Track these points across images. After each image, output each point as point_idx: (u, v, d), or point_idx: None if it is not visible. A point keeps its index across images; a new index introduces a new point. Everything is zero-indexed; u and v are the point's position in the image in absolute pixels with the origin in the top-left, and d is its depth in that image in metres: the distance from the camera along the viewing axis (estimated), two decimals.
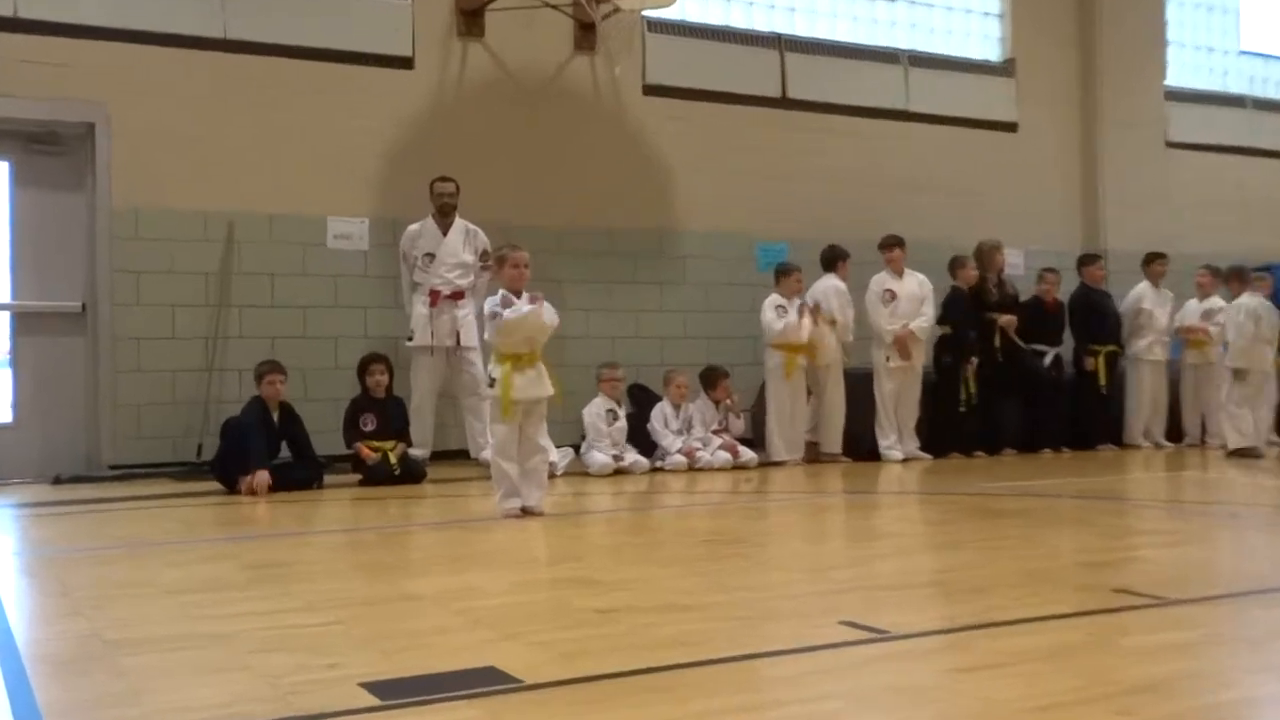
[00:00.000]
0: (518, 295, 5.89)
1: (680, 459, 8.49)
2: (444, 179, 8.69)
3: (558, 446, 8.22)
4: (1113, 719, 2.47)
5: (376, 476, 7.58)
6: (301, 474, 7.45)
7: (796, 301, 9.05)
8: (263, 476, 7.05)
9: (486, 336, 6.02)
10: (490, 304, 5.91)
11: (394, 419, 7.98)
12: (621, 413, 8.58)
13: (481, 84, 9.61)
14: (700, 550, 4.89)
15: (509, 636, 3.19)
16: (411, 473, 7.72)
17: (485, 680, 2.73)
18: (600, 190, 9.89)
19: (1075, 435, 10.21)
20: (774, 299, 9.08)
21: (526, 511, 5.86)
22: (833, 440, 9.26)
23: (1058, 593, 3.82)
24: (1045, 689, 2.71)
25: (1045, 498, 6.84)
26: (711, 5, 10.74)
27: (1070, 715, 2.49)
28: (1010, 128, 11.95)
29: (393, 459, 7.70)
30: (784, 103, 10.80)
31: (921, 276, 9.55)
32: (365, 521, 6.21)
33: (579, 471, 8.23)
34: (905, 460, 9.22)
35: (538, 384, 5.88)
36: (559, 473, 7.98)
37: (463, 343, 8.48)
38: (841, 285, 9.34)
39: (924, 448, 9.43)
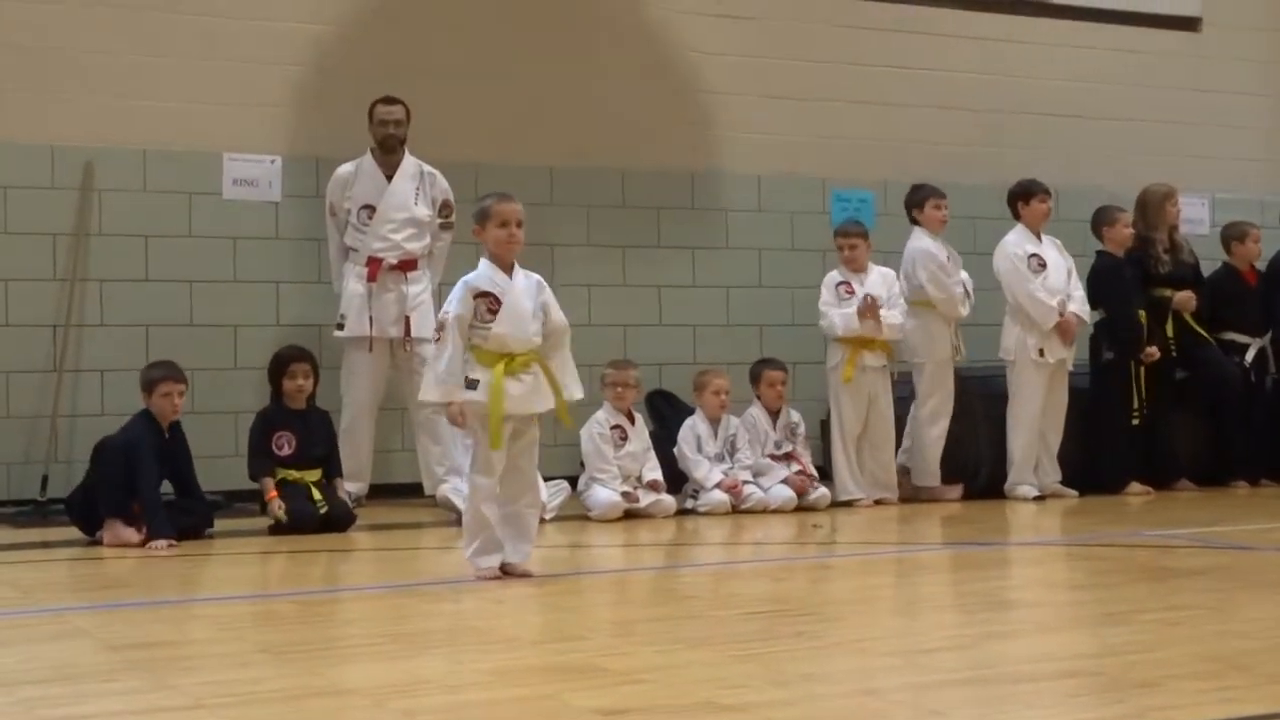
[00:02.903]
0: (507, 270, 5.84)
1: (721, 496, 8.49)
2: (388, 100, 8.72)
3: (546, 480, 8.24)
4: None
5: (293, 521, 7.60)
6: (186, 518, 7.47)
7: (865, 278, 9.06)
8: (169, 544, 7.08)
9: (430, 358, 5.96)
10: (459, 289, 5.79)
11: (318, 439, 8.01)
12: (635, 431, 8.59)
13: None
14: (748, 626, 4.88)
15: None
16: (340, 516, 7.74)
17: None
18: (609, 117, 9.90)
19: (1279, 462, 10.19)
20: (834, 277, 9.10)
21: (507, 571, 5.87)
22: (926, 470, 9.28)
23: (1256, 687, 3.81)
24: None
25: (1239, 550, 6.83)
26: None
27: None
28: (1190, 25, 11.93)
29: (316, 495, 7.72)
30: None
31: (1058, 240, 9.55)
32: (276, 585, 6.22)
33: (577, 514, 8.23)
34: (1041, 498, 9.21)
35: (534, 394, 5.86)
36: (549, 516, 7.98)
37: (414, 332, 8.51)
38: (931, 246, 9.29)
39: (1068, 480, 9.42)
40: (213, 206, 9.11)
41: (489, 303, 5.75)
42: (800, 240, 10.45)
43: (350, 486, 8.23)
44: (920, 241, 9.34)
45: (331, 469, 7.99)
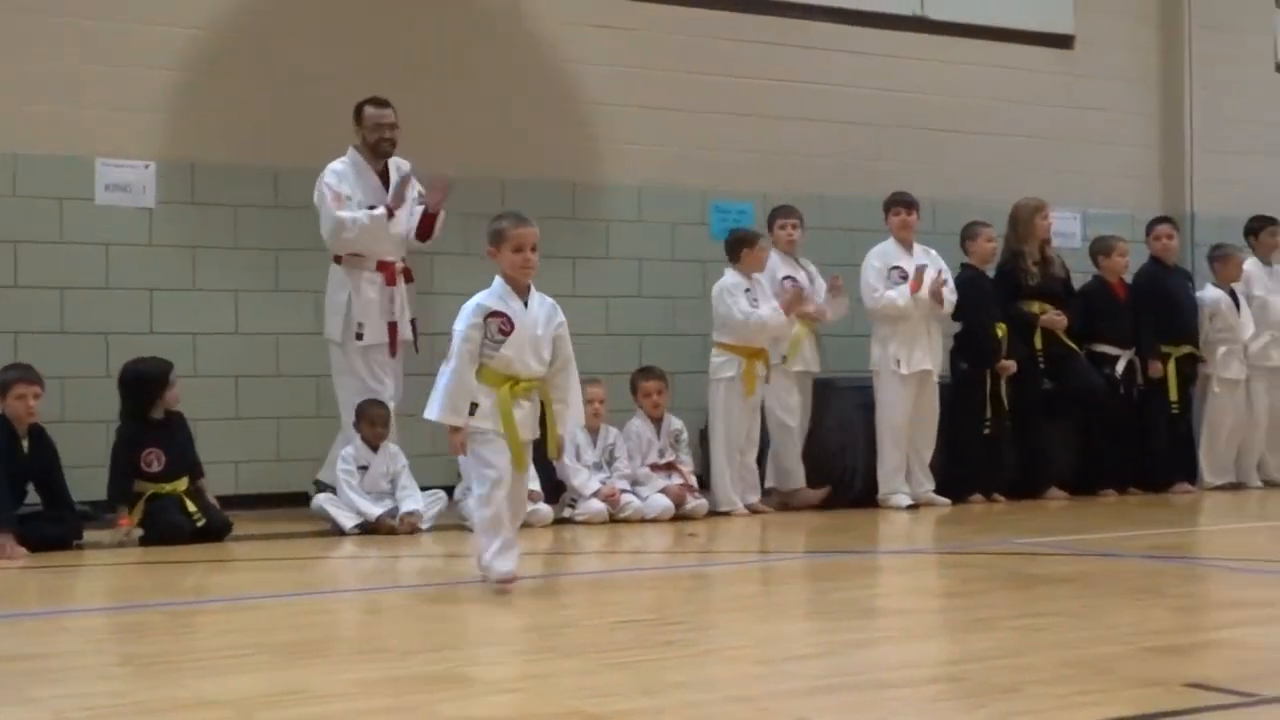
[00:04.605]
0: (521, 293, 5.76)
1: (598, 505, 8.51)
2: (380, 103, 8.62)
3: (423, 490, 8.22)
4: None
5: (166, 530, 7.51)
6: (55, 528, 7.36)
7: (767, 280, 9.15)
8: (11, 544, 6.96)
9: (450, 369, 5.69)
10: (470, 310, 5.69)
11: (183, 446, 7.90)
12: None
13: None
14: (620, 635, 4.90)
15: None
16: (215, 525, 7.67)
17: None
18: (489, 126, 9.88)
19: (1145, 471, 10.40)
20: (733, 282, 9.15)
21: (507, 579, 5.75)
22: (791, 474, 9.40)
23: (1111, 690, 3.88)
24: None
25: (1104, 558, 6.95)
26: None
27: None
28: (1064, 42, 12.15)
29: (190, 507, 7.63)
30: (750, 5, 10.89)
31: (933, 252, 9.69)
32: (144, 595, 6.14)
33: (453, 524, 8.21)
34: (914, 506, 9.32)
35: (531, 420, 5.79)
36: (425, 526, 7.98)
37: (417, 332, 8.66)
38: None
39: (940, 489, 9.55)
40: (85, 212, 8.97)
41: (502, 323, 5.68)
42: (680, 251, 10.50)
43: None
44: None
45: (195, 471, 7.90)
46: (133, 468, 7.70)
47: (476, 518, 5.84)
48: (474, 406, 5.62)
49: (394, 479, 8.17)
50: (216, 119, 9.09)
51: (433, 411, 5.71)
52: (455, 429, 5.65)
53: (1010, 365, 9.69)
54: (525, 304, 5.75)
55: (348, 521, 7.95)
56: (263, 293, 9.34)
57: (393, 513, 7.98)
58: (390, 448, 8.23)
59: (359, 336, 8.45)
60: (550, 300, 5.88)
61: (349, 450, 8.18)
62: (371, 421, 8.20)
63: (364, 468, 8.15)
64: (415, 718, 3.66)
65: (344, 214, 8.34)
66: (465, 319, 5.67)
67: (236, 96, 9.09)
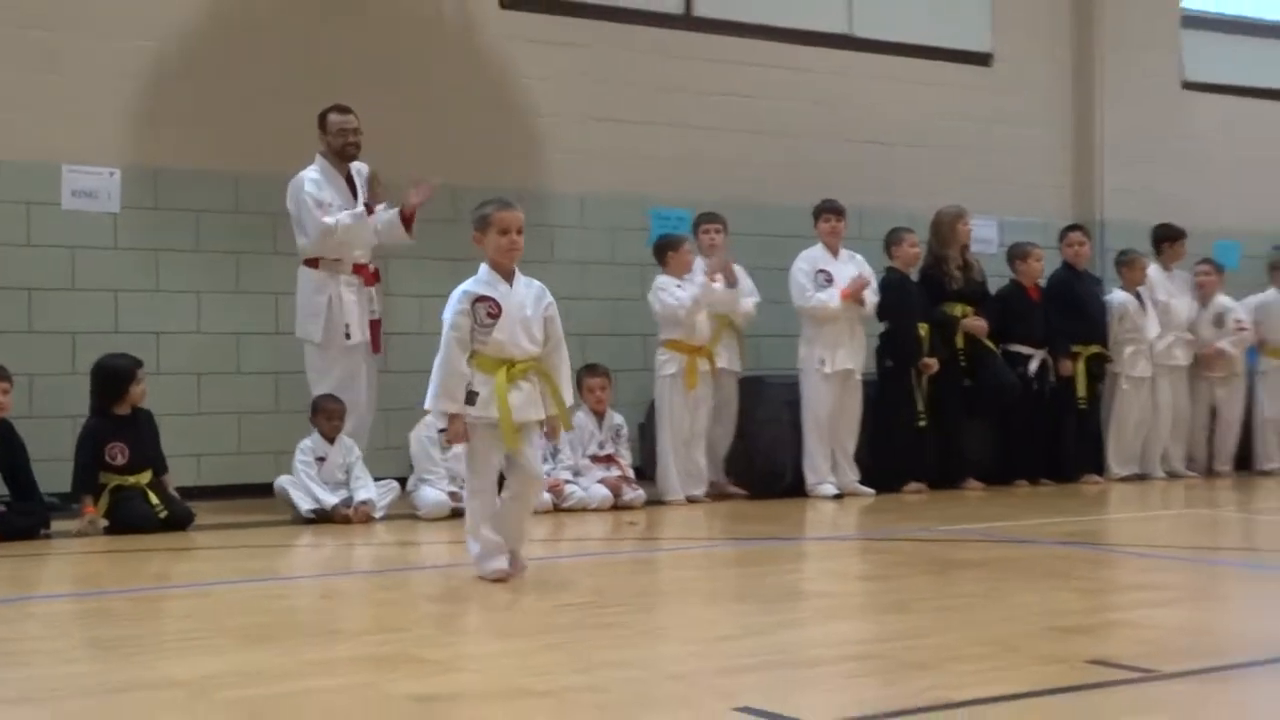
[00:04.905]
0: (507, 277, 5.58)
1: (543, 496, 8.53)
2: (343, 109, 8.54)
3: (376, 480, 8.22)
4: None
5: (131, 521, 7.47)
6: (23, 520, 7.31)
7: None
8: None
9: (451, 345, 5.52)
10: (457, 298, 5.53)
11: (147, 441, 7.85)
12: None
13: None
14: (562, 618, 4.93)
15: None
16: (178, 516, 7.63)
17: None
18: (439, 137, 9.86)
19: (1056, 463, 10.51)
20: (664, 281, 9.20)
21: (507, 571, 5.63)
22: (718, 468, 9.49)
23: (1018, 666, 3.96)
24: None
25: (1016, 544, 7.04)
26: None
27: None
28: (983, 60, 12.25)
29: (153, 499, 7.59)
30: (689, 22, 10.93)
31: (860, 257, 9.77)
32: (109, 583, 6.12)
33: (406, 513, 8.21)
34: (840, 496, 9.40)
35: (531, 402, 5.57)
36: (378, 515, 7.97)
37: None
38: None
39: (865, 480, 9.63)
40: (52, 217, 8.89)
41: (489, 307, 5.49)
42: (621, 255, 10.52)
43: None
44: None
45: (159, 466, 7.86)
46: (97, 460, 7.64)
47: (468, 508, 5.66)
48: (474, 396, 5.45)
49: (349, 470, 8.16)
50: (179, 127, 9.03)
51: (428, 401, 5.56)
52: (453, 417, 5.49)
53: (933, 363, 9.78)
54: (511, 287, 5.59)
55: (305, 504, 7.93)
56: (224, 294, 9.29)
57: (347, 502, 7.97)
58: (345, 440, 8.21)
59: (348, 336, 8.41)
60: (538, 283, 5.71)
61: (306, 442, 8.15)
62: (328, 415, 8.19)
63: (321, 459, 8.13)
64: (367, 696, 3.68)
65: (329, 219, 8.29)
66: (452, 306, 5.51)
67: (198, 105, 9.04)
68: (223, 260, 9.28)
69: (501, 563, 5.56)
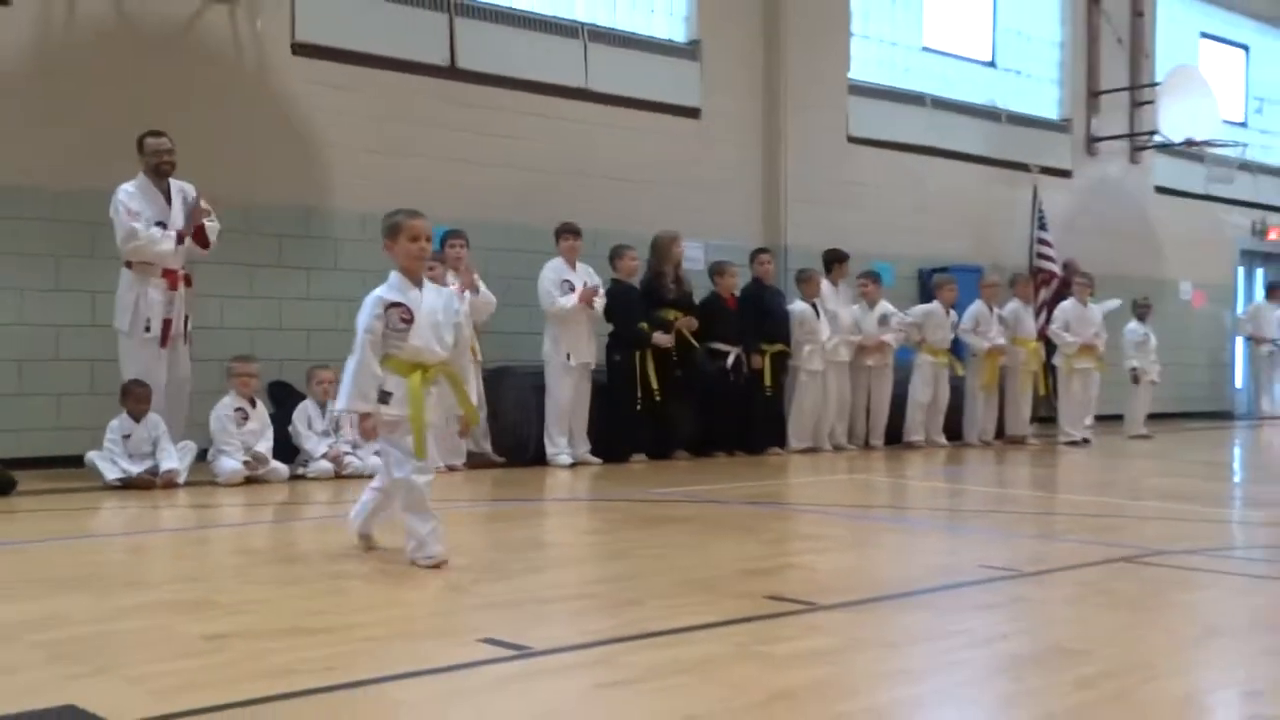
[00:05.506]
0: (416, 284, 4.96)
1: (326, 465, 8.35)
2: (157, 134, 8.14)
3: (177, 445, 7.91)
4: None
5: None
6: None
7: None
8: None
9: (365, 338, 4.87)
10: (371, 304, 4.88)
11: None
12: (256, 413, 8.34)
13: (94, 31, 9.07)
14: (338, 567, 4.83)
15: (97, 671, 3.07)
16: (1, 482, 7.21)
17: None
18: (238, 160, 9.54)
19: (747, 438, 10.77)
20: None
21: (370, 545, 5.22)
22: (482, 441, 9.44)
23: (711, 602, 4.05)
24: (686, 702, 2.88)
25: (715, 504, 7.21)
26: None
27: None
28: (693, 113, 12.48)
29: None
30: (453, 73, 10.81)
31: (590, 269, 9.86)
32: None
33: (205, 480, 7.93)
34: (574, 465, 9.45)
35: (440, 403, 5.07)
36: (180, 481, 7.68)
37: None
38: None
39: (594, 451, 9.70)
40: None
41: (402, 312, 4.88)
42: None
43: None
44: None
45: None
46: None
47: (402, 502, 4.94)
48: (387, 396, 4.85)
49: (155, 443, 7.83)
50: (1, 145, 8.52)
51: (341, 401, 4.94)
52: (365, 416, 4.85)
53: (666, 339, 9.93)
54: (421, 293, 5.02)
55: (111, 474, 7.57)
56: (44, 291, 8.80)
57: (153, 471, 7.64)
58: (152, 417, 7.85)
59: (147, 329, 8.06)
60: (448, 289, 5.28)
61: (115, 422, 7.78)
62: (136, 399, 7.83)
63: (127, 436, 7.78)
64: (162, 635, 3.56)
65: (138, 226, 7.93)
66: (367, 312, 4.86)
67: (18, 125, 8.53)
68: (44, 262, 8.77)
69: (438, 550, 4.84)
